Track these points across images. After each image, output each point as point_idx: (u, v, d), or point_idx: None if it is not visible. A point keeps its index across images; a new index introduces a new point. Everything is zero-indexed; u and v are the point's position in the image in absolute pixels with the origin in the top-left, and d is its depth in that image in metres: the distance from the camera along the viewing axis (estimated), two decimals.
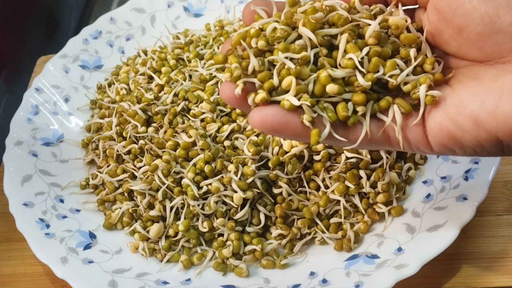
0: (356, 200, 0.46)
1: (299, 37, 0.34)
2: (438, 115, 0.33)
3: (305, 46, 0.33)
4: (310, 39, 0.33)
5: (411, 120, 0.34)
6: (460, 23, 0.32)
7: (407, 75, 0.34)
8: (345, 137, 0.33)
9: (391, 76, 0.33)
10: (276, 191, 0.47)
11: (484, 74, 0.32)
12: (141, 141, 0.50)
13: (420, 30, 0.35)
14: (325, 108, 0.33)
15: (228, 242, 0.45)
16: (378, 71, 0.33)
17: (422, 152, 0.35)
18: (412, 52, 0.34)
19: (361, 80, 0.33)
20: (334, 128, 0.33)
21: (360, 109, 0.33)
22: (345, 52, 0.33)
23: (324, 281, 0.42)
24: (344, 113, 0.33)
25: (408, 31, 0.34)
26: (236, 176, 0.45)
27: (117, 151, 0.51)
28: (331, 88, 0.32)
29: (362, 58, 0.33)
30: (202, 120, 0.50)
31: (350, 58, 0.33)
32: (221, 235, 0.46)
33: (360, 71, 0.33)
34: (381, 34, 0.34)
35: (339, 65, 0.33)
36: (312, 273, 0.44)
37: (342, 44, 0.33)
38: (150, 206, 0.47)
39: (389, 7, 0.35)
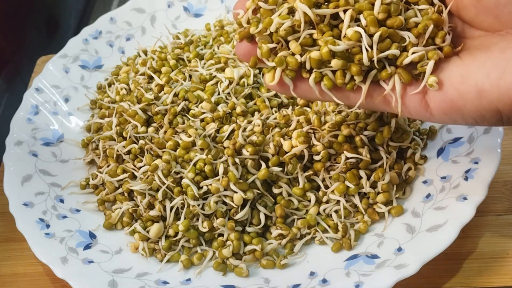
0: (356, 200, 0.46)
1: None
2: (443, 84, 0.34)
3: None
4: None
5: (411, 89, 0.35)
6: None
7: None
8: (346, 98, 0.37)
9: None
10: (276, 191, 0.47)
11: (494, 46, 0.34)
12: (141, 141, 0.50)
13: None
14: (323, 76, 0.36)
15: (228, 242, 0.45)
16: (383, 51, 0.35)
17: (421, 118, 0.36)
18: (428, 30, 0.35)
19: (365, 59, 0.35)
20: (335, 89, 0.36)
21: (357, 78, 0.35)
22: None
23: (324, 281, 0.42)
24: (340, 80, 0.35)
25: None
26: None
27: (117, 151, 0.51)
28: (336, 63, 0.35)
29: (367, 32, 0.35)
30: (202, 120, 0.50)
31: (356, 31, 0.35)
32: (221, 235, 0.46)
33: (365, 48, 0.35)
34: (390, 8, 0.35)
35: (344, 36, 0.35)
36: (312, 273, 0.44)
37: (347, 18, 0.35)
38: (150, 206, 0.47)
39: None
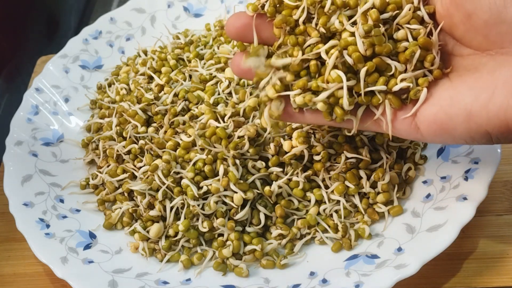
0: (356, 200, 0.46)
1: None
2: (433, 107, 0.35)
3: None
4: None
5: (401, 113, 0.36)
6: (470, 9, 0.34)
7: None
8: (338, 124, 0.39)
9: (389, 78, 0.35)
10: (274, 185, 0.46)
11: (483, 68, 0.34)
12: (141, 141, 0.50)
13: (431, 15, 0.36)
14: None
15: (228, 242, 0.45)
16: (371, 83, 0.36)
17: (413, 139, 0.37)
18: (415, 56, 0.36)
19: (345, 104, 0.36)
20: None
21: (344, 116, 0.37)
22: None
23: (324, 281, 0.42)
24: (328, 119, 0.37)
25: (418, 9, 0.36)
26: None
27: (117, 151, 0.51)
28: (321, 106, 0.37)
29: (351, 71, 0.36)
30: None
31: (338, 75, 0.36)
32: (221, 235, 0.46)
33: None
34: (374, 41, 0.36)
35: (327, 81, 0.36)
36: (312, 273, 0.44)
37: (331, 60, 0.36)
38: (150, 206, 0.47)
39: None
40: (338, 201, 0.46)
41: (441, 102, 0.34)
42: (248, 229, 0.46)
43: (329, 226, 0.46)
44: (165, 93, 0.53)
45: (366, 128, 0.38)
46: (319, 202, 0.47)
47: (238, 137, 0.47)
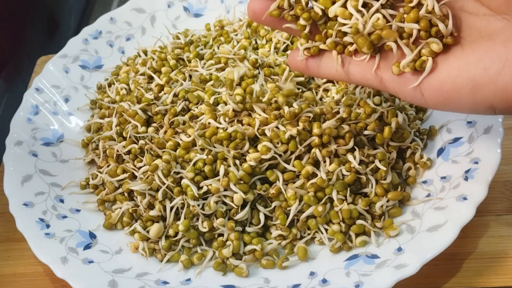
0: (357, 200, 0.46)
1: None
2: (440, 76, 0.34)
3: None
4: None
5: (408, 80, 0.36)
6: None
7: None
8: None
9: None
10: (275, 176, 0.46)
11: (497, 36, 0.33)
12: (141, 141, 0.50)
13: None
14: None
15: (228, 242, 0.45)
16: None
17: (416, 103, 0.37)
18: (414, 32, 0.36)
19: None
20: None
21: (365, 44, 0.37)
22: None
23: (324, 281, 0.42)
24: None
25: None
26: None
27: (117, 151, 0.51)
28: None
29: None
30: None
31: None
32: (221, 235, 0.46)
33: None
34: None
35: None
36: (312, 273, 0.44)
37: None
38: (150, 206, 0.47)
39: None
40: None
41: (449, 71, 0.34)
42: (248, 229, 0.46)
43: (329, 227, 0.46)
44: (165, 93, 0.53)
45: (372, 82, 0.38)
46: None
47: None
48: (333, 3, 0.38)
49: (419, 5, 0.36)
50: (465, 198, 0.44)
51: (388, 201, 0.45)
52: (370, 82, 0.38)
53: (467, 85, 0.33)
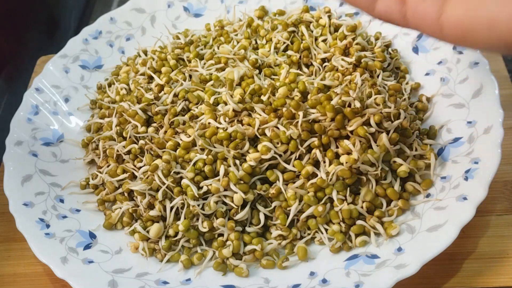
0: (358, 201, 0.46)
1: None
2: (459, 9, 0.34)
3: None
4: None
5: (429, 14, 0.35)
6: None
7: None
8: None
9: None
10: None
11: None
12: (141, 141, 0.50)
13: None
14: None
15: (228, 242, 0.45)
16: None
17: (435, 37, 0.36)
18: None
19: None
20: None
21: None
22: None
23: (324, 281, 0.42)
24: None
25: None
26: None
27: (117, 151, 0.51)
28: None
29: None
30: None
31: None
32: (221, 235, 0.46)
33: None
34: None
35: None
36: (312, 273, 0.44)
37: None
38: (150, 206, 0.47)
39: None
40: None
41: (467, 6, 0.34)
42: (248, 229, 0.46)
43: (329, 227, 0.46)
44: (165, 93, 0.53)
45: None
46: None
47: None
48: None
49: None
50: (465, 198, 0.44)
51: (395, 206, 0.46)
52: (394, 15, 0.38)
53: (484, 22, 0.33)
